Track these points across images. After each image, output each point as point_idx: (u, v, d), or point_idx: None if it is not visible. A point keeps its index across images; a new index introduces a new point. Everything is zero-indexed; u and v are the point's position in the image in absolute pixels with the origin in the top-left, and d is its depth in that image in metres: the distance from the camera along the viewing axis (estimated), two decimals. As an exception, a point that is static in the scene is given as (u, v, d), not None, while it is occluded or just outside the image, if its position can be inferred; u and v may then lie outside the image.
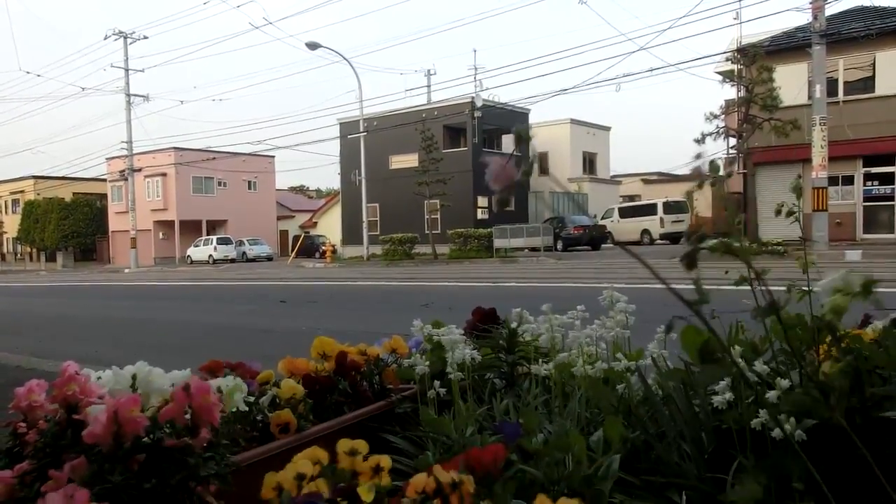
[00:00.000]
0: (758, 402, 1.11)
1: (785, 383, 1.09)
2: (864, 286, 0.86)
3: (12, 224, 48.36)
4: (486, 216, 30.75)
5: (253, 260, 37.27)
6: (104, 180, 43.78)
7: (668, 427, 1.25)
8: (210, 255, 37.29)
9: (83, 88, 34.90)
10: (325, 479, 0.99)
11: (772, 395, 1.08)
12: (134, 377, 1.13)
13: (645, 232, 29.30)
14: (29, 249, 47.90)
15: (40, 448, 1.02)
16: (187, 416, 1.04)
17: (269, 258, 38.30)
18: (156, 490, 0.95)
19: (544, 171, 36.44)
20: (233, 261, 36.65)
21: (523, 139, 0.78)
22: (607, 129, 40.88)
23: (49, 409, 1.08)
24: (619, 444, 1.19)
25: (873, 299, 0.86)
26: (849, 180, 20.18)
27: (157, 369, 1.16)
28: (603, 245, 27.30)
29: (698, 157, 0.83)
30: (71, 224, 44.55)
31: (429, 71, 38.91)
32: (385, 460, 1.07)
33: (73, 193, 45.91)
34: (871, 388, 1.08)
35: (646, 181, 45.06)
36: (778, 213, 1.01)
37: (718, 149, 18.72)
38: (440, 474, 0.91)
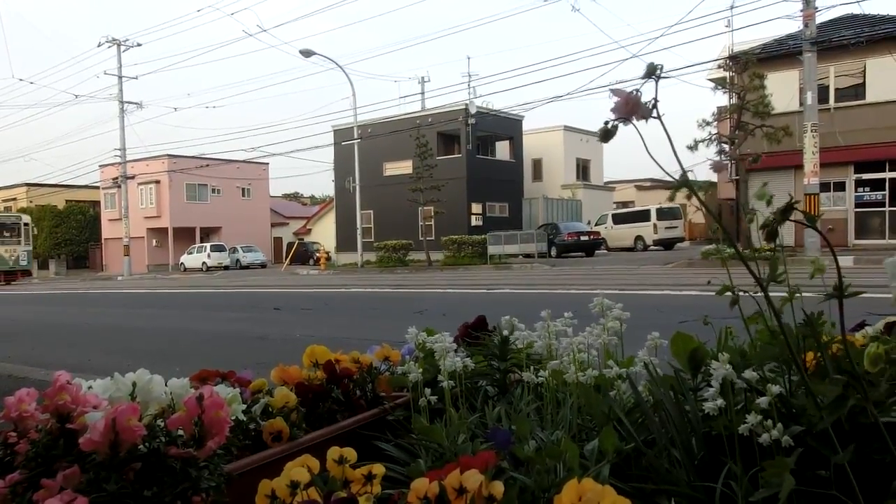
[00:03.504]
0: (747, 409, 1.11)
1: (776, 389, 1.10)
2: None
3: (4, 231, 48.10)
4: (480, 223, 30.79)
5: (247, 267, 37.16)
6: (97, 188, 43.67)
7: (658, 434, 1.25)
8: (204, 263, 37.20)
9: (76, 96, 34.84)
10: (317, 487, 0.99)
11: (762, 400, 1.09)
12: (134, 385, 1.14)
13: (639, 238, 29.41)
14: (21, 257, 47.62)
15: (32, 458, 1.01)
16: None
17: (263, 265, 38.22)
18: (154, 500, 0.95)
19: (538, 177, 36.61)
20: (226, 268, 36.57)
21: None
22: (601, 135, 40.96)
23: (40, 419, 1.08)
24: (614, 455, 1.19)
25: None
26: (840, 186, 20.30)
27: (157, 377, 1.16)
28: (597, 251, 27.36)
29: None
30: (64, 232, 44.36)
31: (423, 78, 39.07)
32: (377, 468, 1.07)
33: (66, 201, 45.72)
34: (856, 395, 1.08)
35: (639, 187, 45.27)
36: (751, 221, 1.02)
37: (710, 155, 18.76)
38: (450, 479, 0.90)
